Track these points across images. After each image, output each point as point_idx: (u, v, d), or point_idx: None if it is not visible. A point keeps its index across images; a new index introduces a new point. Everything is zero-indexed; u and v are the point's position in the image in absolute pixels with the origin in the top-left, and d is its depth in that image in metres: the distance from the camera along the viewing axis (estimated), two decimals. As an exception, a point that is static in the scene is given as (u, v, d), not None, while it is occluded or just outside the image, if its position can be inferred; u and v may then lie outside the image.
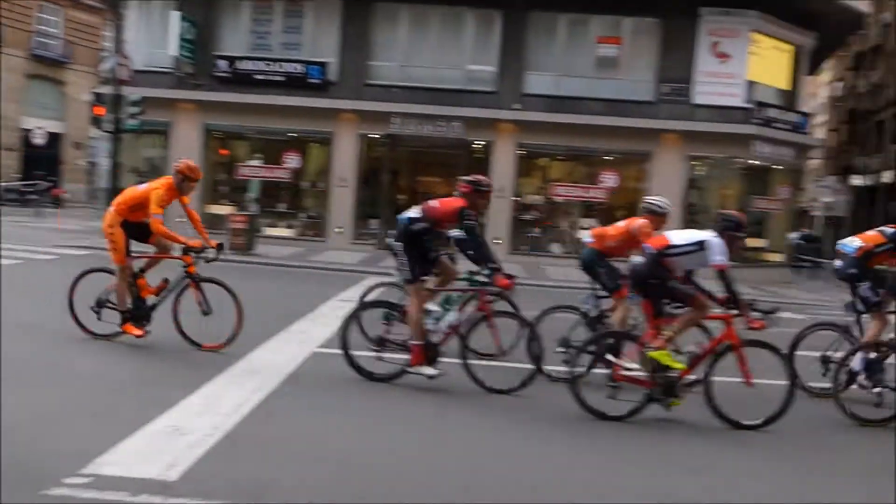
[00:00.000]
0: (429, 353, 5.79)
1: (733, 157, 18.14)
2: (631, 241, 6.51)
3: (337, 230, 18.64)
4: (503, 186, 18.23)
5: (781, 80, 19.42)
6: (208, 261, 6.53)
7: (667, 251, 5.45)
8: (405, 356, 5.84)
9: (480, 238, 6.06)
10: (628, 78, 18.29)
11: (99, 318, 6.47)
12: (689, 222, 18.43)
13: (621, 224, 6.81)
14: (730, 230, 5.45)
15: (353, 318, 6.13)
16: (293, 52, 18.75)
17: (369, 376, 5.85)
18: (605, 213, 18.76)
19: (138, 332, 6.38)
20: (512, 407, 5.50)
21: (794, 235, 24.47)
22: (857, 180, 34.57)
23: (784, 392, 5.18)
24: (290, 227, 19.22)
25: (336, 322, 8.24)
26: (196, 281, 6.44)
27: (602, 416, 5.19)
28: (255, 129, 19.05)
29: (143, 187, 6.56)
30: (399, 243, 5.88)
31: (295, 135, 19.11)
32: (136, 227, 6.46)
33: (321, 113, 18.02)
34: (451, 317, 6.07)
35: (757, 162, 18.52)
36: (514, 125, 18.06)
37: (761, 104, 18.08)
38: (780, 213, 20.03)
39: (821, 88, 49.88)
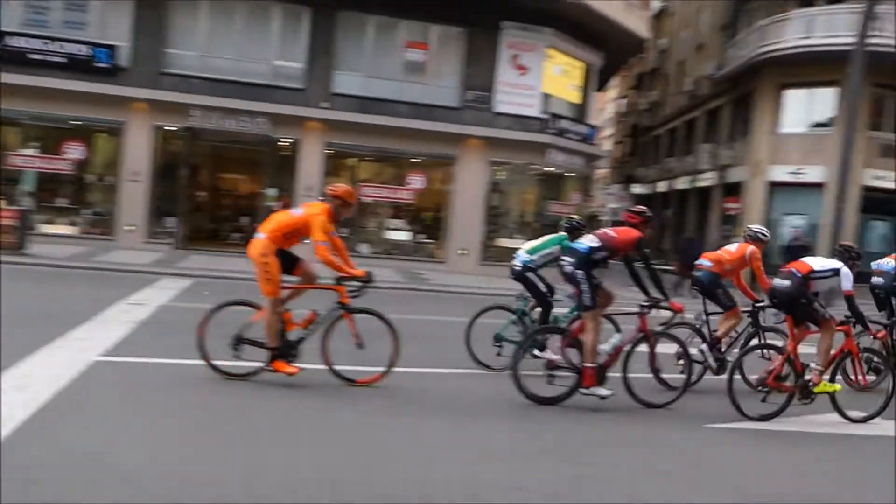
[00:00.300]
0: (600, 375, 6.04)
1: (531, 163, 19.26)
2: (743, 265, 7.46)
3: (128, 228, 17.23)
4: (311, 186, 17.92)
5: (573, 95, 20.95)
6: (353, 291, 6.15)
7: (811, 275, 6.23)
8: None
9: (653, 265, 6.46)
10: (435, 83, 18.76)
11: (238, 357, 5.86)
12: (491, 224, 19.39)
13: (732, 249, 7.58)
14: (853, 260, 6.70)
15: (532, 340, 6.36)
16: (77, 32, 17.00)
17: (533, 398, 5.91)
18: (413, 215, 19.20)
19: (292, 369, 5.92)
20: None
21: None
22: (637, 188, 38.26)
23: (889, 387, 6.39)
24: (72, 224, 17.44)
25: (124, 327, 7.65)
26: (350, 312, 6.13)
27: (750, 418, 5.89)
28: (29, 115, 16.95)
29: (298, 213, 6.06)
30: (580, 271, 6.02)
31: (79, 123, 17.35)
32: (281, 255, 5.92)
33: (110, 100, 16.53)
34: (616, 339, 6.37)
35: (552, 169, 19.80)
36: (322, 124, 17.80)
37: (555, 115, 19.37)
38: (573, 216, 21.59)
39: (608, 104, 54.66)
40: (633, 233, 6.23)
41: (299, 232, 5.95)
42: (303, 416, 5.24)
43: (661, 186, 33.34)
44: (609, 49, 21.51)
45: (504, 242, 19.57)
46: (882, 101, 21.75)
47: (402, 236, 19.16)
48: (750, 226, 7.99)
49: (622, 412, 6.03)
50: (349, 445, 4.63)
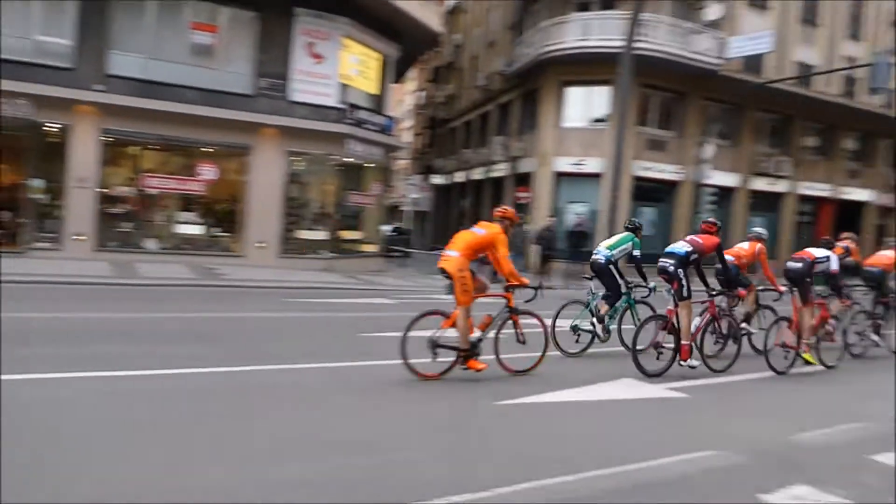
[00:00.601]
0: (691, 350, 7.66)
1: (329, 154, 18.93)
2: (753, 259, 9.57)
3: None
4: (85, 177, 16.26)
5: (371, 85, 20.93)
6: (529, 300, 7.29)
7: (816, 261, 8.64)
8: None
9: (726, 263, 8.50)
10: (225, 69, 17.76)
11: (435, 360, 6.61)
12: (290, 215, 18.84)
13: (746, 247, 9.73)
14: (833, 247, 9.15)
15: (644, 325, 7.62)
16: None
17: (644, 372, 7.29)
18: (206, 207, 18.11)
19: (482, 365, 6.87)
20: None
21: (386, 228, 26.74)
22: (437, 179, 39.30)
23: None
24: None
25: None
26: (516, 314, 7.17)
27: (779, 372, 8.08)
28: None
29: (481, 233, 6.93)
30: (680, 270, 7.61)
31: None
32: None
33: None
34: (696, 321, 7.89)
35: (351, 159, 19.64)
36: (96, 108, 16.14)
37: (353, 106, 19.20)
38: (373, 207, 21.65)
39: (407, 96, 55.65)
40: (714, 239, 8.11)
41: (483, 249, 6.95)
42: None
43: (459, 177, 34.54)
44: (405, 41, 21.77)
45: (304, 234, 19.14)
46: (648, 99, 24.18)
47: (194, 230, 18.01)
48: (755, 228, 10.20)
49: (417, 393, 6.09)
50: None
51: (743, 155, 26.25)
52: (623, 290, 8.85)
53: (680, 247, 7.84)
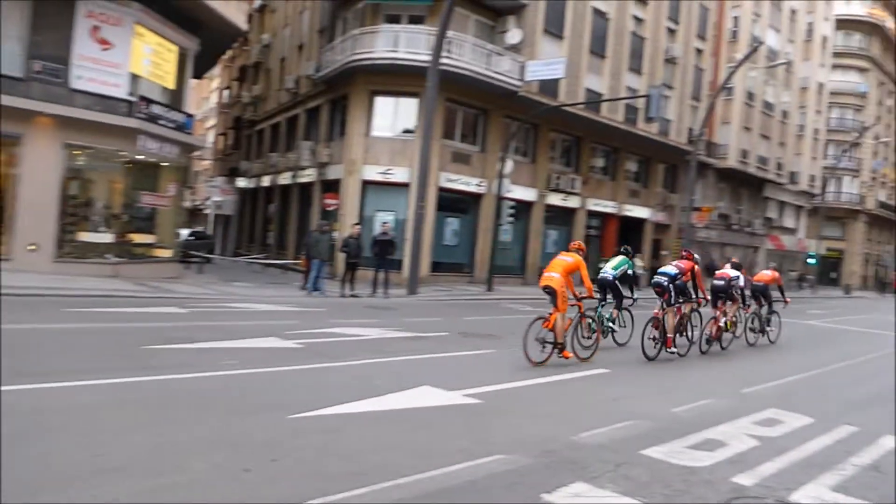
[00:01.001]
0: (674, 342, 10.86)
1: (118, 149, 17.35)
2: (691, 274, 11.40)
3: None
4: None
5: (167, 79, 19.54)
6: (596, 308, 11.10)
7: (732, 279, 12.57)
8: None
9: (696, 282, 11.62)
10: (-9, 46, 15.68)
11: (543, 350, 9.11)
12: (70, 215, 17.01)
13: (683, 264, 11.34)
14: (741, 269, 13.19)
15: (647, 325, 10.73)
16: None
17: (647, 357, 10.32)
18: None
19: (571, 354, 9.55)
20: None
21: (184, 232, 25.11)
22: (242, 182, 37.74)
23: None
24: None
25: None
26: (585, 317, 10.38)
27: (703, 352, 11.70)
28: None
29: (570, 260, 9.55)
30: (671, 285, 10.73)
31: None
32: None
33: None
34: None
35: (143, 157, 18.16)
36: None
37: (146, 99, 17.75)
38: (169, 209, 20.17)
39: (212, 94, 53.00)
40: (691, 263, 11.35)
41: (573, 271, 9.47)
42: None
43: (265, 181, 33.44)
44: (206, 35, 20.60)
45: (87, 237, 17.37)
46: (454, 113, 24.98)
47: (-53, 229, 15.64)
48: (685, 250, 12.30)
49: (201, 409, 5.64)
50: None
51: (539, 171, 27.98)
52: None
53: (671, 269, 11.01)
